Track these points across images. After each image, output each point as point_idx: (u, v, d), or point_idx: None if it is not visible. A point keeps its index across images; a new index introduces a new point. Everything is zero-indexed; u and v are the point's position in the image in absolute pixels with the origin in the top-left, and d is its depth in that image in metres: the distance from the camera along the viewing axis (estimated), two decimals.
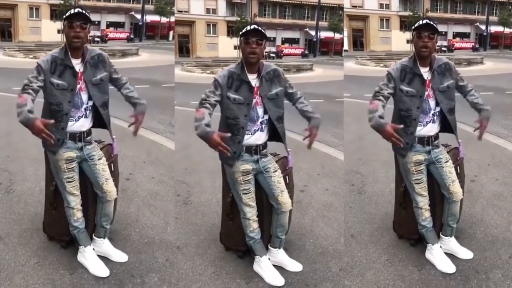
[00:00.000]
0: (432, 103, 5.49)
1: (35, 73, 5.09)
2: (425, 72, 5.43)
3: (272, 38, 45.59)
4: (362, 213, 6.96)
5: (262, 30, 5.20)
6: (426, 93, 5.43)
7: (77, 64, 5.22)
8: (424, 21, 5.36)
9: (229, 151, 4.84)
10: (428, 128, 5.51)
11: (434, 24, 5.35)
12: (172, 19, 45.08)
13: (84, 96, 5.29)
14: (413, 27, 5.39)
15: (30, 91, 4.97)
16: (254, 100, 5.27)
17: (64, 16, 5.20)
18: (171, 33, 46.14)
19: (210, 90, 5.19)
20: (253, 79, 5.27)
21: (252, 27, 5.18)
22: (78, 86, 5.23)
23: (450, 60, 5.54)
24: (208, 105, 5.10)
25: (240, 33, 5.21)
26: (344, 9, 45.46)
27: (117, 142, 5.96)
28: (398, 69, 5.44)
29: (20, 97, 4.92)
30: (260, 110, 5.32)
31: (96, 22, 43.95)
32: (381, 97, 5.36)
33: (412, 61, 5.43)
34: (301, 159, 8.97)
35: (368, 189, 7.79)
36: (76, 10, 5.17)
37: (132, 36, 47.26)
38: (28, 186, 7.47)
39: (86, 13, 5.20)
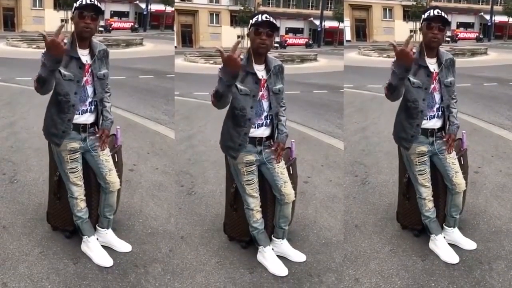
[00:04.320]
0: (437, 97, 5.45)
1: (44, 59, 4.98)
2: (431, 64, 5.37)
3: None
4: (365, 203, 6.97)
5: (274, 21, 5.11)
6: (432, 86, 5.39)
7: (84, 55, 5.18)
8: (436, 12, 5.25)
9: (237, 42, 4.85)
10: (432, 122, 5.49)
11: (445, 17, 5.27)
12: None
13: (90, 89, 5.27)
14: (423, 17, 5.32)
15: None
16: (261, 93, 5.23)
17: (75, 5, 5.09)
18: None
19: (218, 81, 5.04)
20: (260, 70, 5.22)
21: (264, 17, 5.07)
22: (85, 78, 5.20)
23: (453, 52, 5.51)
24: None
25: (251, 22, 5.13)
26: None
27: (121, 132, 5.98)
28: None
29: (35, 82, 4.95)
30: (265, 104, 5.29)
31: None
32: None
33: (418, 52, 5.36)
34: (304, 150, 8.99)
35: (371, 180, 7.79)
36: (88, 0, 5.07)
37: (136, 26, 47.24)
38: (32, 176, 7.48)
39: (98, 4, 5.12)
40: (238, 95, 5.16)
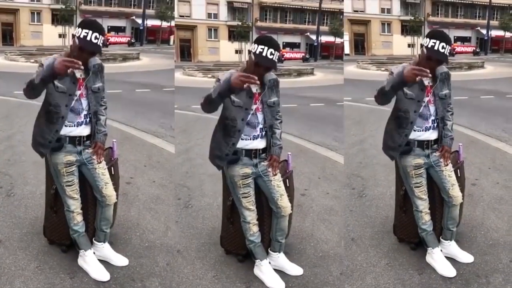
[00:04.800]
0: (432, 109, 5.47)
1: (39, 69, 5.06)
2: (426, 78, 5.33)
3: None
4: (362, 216, 6.96)
5: (275, 57, 5.05)
6: (427, 98, 5.41)
7: (78, 71, 5.16)
8: (441, 47, 5.15)
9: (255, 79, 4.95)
10: (427, 134, 5.49)
11: (447, 54, 5.20)
12: (173, 23, 45.14)
13: (85, 102, 5.29)
14: (425, 44, 5.21)
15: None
16: (255, 106, 5.26)
17: (77, 35, 5.04)
18: (172, 37, 46.21)
19: (214, 87, 5.13)
20: (254, 85, 5.22)
21: (269, 52, 5.01)
22: (79, 92, 5.23)
23: (450, 65, 5.51)
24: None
25: (254, 50, 5.04)
26: (346, 14, 45.43)
27: (118, 145, 5.97)
28: (400, 71, 5.31)
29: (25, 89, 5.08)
30: (260, 117, 5.31)
31: None
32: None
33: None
34: (301, 163, 8.99)
35: (368, 193, 7.78)
36: (93, 37, 4.99)
37: (133, 41, 47.31)
38: (29, 190, 7.47)
39: (101, 39, 5.05)
40: (230, 106, 5.20)
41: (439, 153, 5.53)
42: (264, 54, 5.02)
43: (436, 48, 5.17)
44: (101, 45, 5.09)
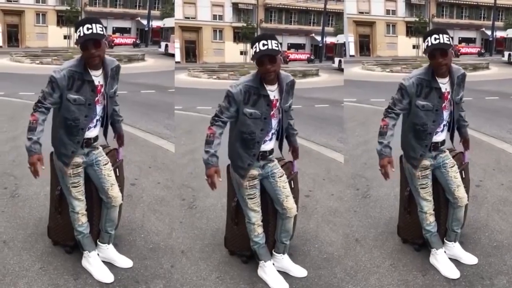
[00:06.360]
0: (445, 114, 5.43)
1: (49, 88, 5.05)
2: (443, 83, 5.33)
3: None
4: (366, 217, 6.96)
5: (272, 45, 4.98)
6: (443, 105, 5.37)
7: (97, 76, 5.16)
8: (433, 39, 5.14)
9: (215, 187, 5.17)
10: (436, 137, 5.48)
11: (444, 42, 5.14)
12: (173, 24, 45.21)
13: (99, 108, 5.27)
14: (423, 49, 5.26)
15: (43, 109, 5.06)
16: (271, 113, 5.21)
17: (75, 40, 5.07)
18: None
19: (224, 105, 5.12)
20: (272, 90, 5.17)
21: (261, 44, 4.98)
22: (96, 99, 5.20)
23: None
24: (220, 123, 5.13)
25: (252, 55, 5.05)
26: (351, 16, 45.38)
27: (123, 147, 5.96)
28: (414, 83, 5.30)
29: (32, 116, 5.05)
30: (274, 122, 5.26)
31: None
32: (393, 115, 5.39)
33: (430, 74, 5.30)
34: (306, 164, 8.98)
35: (373, 193, 7.78)
36: (85, 29, 4.97)
37: (138, 42, 47.32)
38: (33, 191, 7.47)
39: (97, 27, 5.01)
40: (247, 120, 5.12)
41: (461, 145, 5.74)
42: (258, 50, 4.98)
43: (430, 43, 5.15)
44: (101, 32, 5.04)
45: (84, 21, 5.04)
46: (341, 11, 47.32)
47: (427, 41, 5.18)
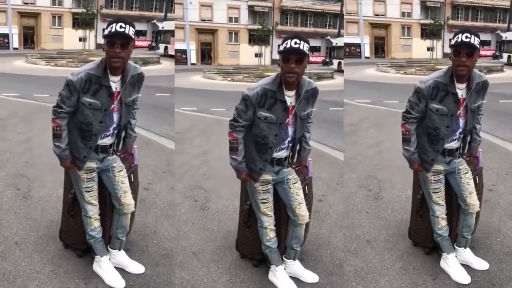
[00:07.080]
0: (461, 122, 5.33)
1: (66, 92, 5.00)
2: (461, 89, 5.23)
3: None
4: (378, 218, 6.93)
5: (303, 48, 4.89)
6: (458, 112, 5.27)
7: (115, 82, 5.09)
8: (464, 37, 5.02)
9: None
10: (451, 144, 5.41)
11: (473, 43, 5.03)
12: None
13: (116, 116, 5.21)
14: (450, 44, 5.16)
15: (64, 114, 5.05)
16: (287, 120, 5.12)
17: (103, 34, 4.97)
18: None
19: (241, 109, 5.06)
20: (290, 96, 5.08)
21: (293, 42, 4.86)
22: (112, 106, 5.12)
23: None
24: (240, 128, 5.09)
25: (279, 49, 4.96)
26: (365, 18, 45.34)
27: (137, 151, 5.94)
28: (430, 86, 5.20)
29: (54, 122, 5.05)
30: (291, 130, 5.19)
31: None
32: (412, 119, 5.32)
33: (448, 77, 5.20)
34: (320, 168, 8.95)
35: (384, 195, 7.75)
36: (118, 27, 4.89)
37: (153, 45, 47.45)
38: (46, 193, 7.50)
39: (129, 29, 4.94)
40: (261, 124, 5.05)
41: (462, 159, 5.53)
42: (288, 46, 4.85)
43: (459, 39, 5.03)
44: (131, 34, 4.94)
45: (118, 20, 4.94)
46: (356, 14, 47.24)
47: (457, 37, 5.05)
